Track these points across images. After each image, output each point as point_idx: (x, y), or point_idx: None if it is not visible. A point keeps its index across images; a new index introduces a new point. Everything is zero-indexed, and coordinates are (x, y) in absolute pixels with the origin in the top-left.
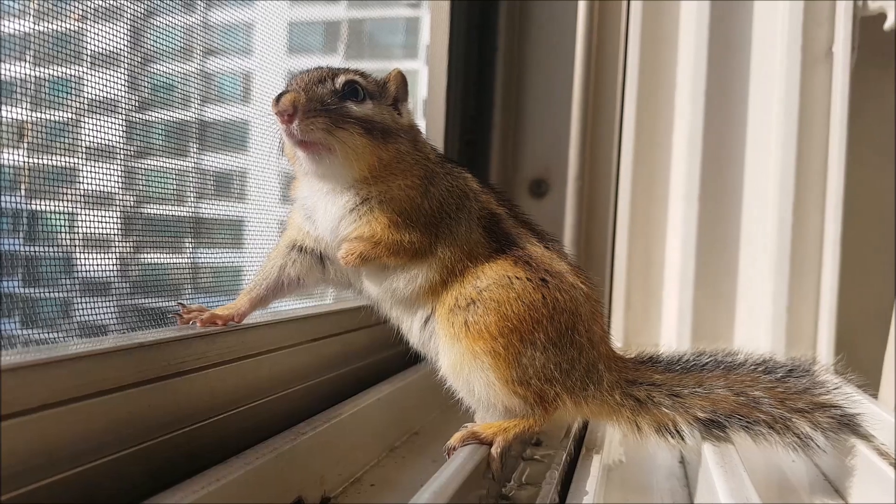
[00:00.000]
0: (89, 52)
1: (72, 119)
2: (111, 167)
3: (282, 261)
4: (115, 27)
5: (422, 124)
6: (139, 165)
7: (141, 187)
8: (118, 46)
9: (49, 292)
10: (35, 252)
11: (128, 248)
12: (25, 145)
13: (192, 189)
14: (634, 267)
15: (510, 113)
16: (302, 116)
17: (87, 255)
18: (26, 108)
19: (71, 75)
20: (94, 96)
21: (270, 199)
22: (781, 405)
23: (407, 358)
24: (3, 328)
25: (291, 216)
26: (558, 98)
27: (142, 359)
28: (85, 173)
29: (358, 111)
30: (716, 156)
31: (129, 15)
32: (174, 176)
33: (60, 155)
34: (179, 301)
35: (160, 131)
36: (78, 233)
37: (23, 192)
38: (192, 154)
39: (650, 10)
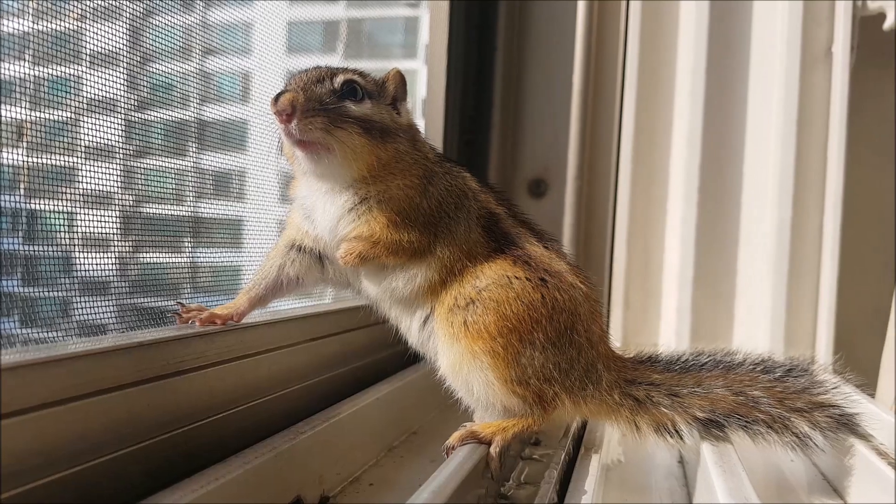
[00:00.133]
0: (88, 51)
1: (71, 118)
2: (110, 167)
3: (281, 260)
4: (114, 27)
5: (421, 124)
6: (138, 165)
7: (140, 187)
8: (117, 46)
9: (48, 292)
10: (34, 251)
11: (127, 248)
12: (24, 145)
13: (191, 188)
14: (633, 266)
15: (509, 112)
16: (300, 116)
17: (86, 254)
18: (25, 108)
19: (70, 75)
20: (93, 96)
21: (269, 199)
22: (780, 405)
23: (406, 357)
24: (2, 327)
25: (290, 216)
26: (557, 98)
27: (141, 358)
28: (84, 173)
29: (356, 111)
30: (715, 156)
31: (127, 14)
32: (173, 175)
33: (59, 154)
34: (178, 300)
35: (159, 131)
36: (77, 232)
37: (22, 192)
38: (191, 154)
39: (649, 9)
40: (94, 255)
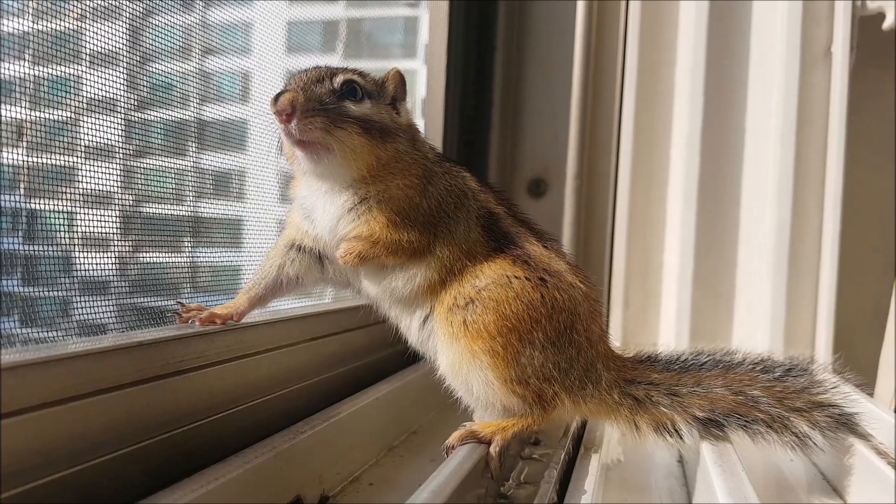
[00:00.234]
0: (88, 51)
1: (70, 118)
2: (110, 166)
3: (280, 260)
4: (113, 26)
5: (420, 124)
6: (138, 165)
7: (140, 186)
8: (117, 46)
9: (48, 291)
10: (34, 251)
11: (127, 248)
12: (24, 144)
13: (190, 188)
14: (633, 266)
15: (509, 112)
16: (300, 116)
17: (85, 254)
18: (25, 108)
19: (70, 74)
20: (92, 95)
21: (269, 199)
22: (780, 404)
23: (405, 357)
24: (2, 327)
25: (290, 215)
26: (557, 98)
27: (140, 358)
28: (84, 173)
29: (356, 111)
30: (714, 155)
31: (127, 14)
32: (173, 175)
33: (59, 154)
34: (178, 300)
35: (159, 131)
36: (77, 232)
37: (22, 192)
38: (190, 153)
39: (649, 9)
40: (93, 254)
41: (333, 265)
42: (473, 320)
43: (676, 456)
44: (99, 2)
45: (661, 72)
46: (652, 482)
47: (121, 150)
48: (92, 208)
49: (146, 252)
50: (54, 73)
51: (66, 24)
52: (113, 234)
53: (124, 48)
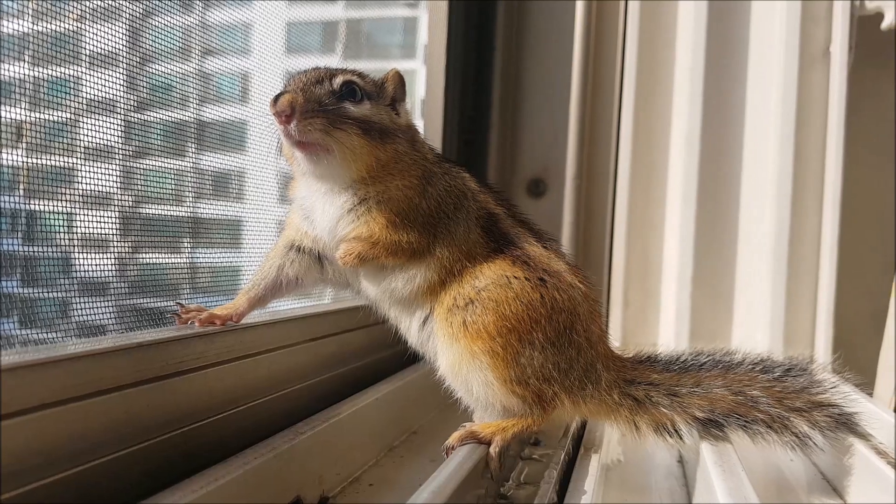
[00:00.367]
0: (87, 52)
1: (70, 119)
2: (109, 167)
3: (280, 261)
4: (113, 27)
5: (420, 124)
6: (137, 165)
7: (139, 187)
8: (116, 47)
9: (47, 292)
10: (33, 252)
11: (126, 248)
12: (24, 145)
13: (190, 189)
14: (632, 266)
15: (508, 112)
16: (300, 117)
17: (85, 255)
18: (24, 109)
19: (69, 75)
20: (92, 96)
21: (269, 200)
22: (779, 404)
23: (405, 358)
24: (1, 328)
25: (289, 216)
26: (556, 98)
27: (140, 359)
28: (83, 173)
29: (355, 111)
30: (713, 155)
31: (127, 15)
32: (172, 176)
33: (59, 155)
34: (178, 301)
35: (158, 131)
36: (76, 233)
37: (21, 193)
38: (190, 154)
39: (648, 9)
40: (93, 255)
41: (333, 266)
42: (473, 321)
43: (676, 456)
44: (99, 3)
45: (660, 72)
46: (652, 482)
47: (120, 151)
48: (91, 209)
49: (145, 253)
50: (54, 74)
51: (66, 25)
52: (112, 234)
53: (124, 49)
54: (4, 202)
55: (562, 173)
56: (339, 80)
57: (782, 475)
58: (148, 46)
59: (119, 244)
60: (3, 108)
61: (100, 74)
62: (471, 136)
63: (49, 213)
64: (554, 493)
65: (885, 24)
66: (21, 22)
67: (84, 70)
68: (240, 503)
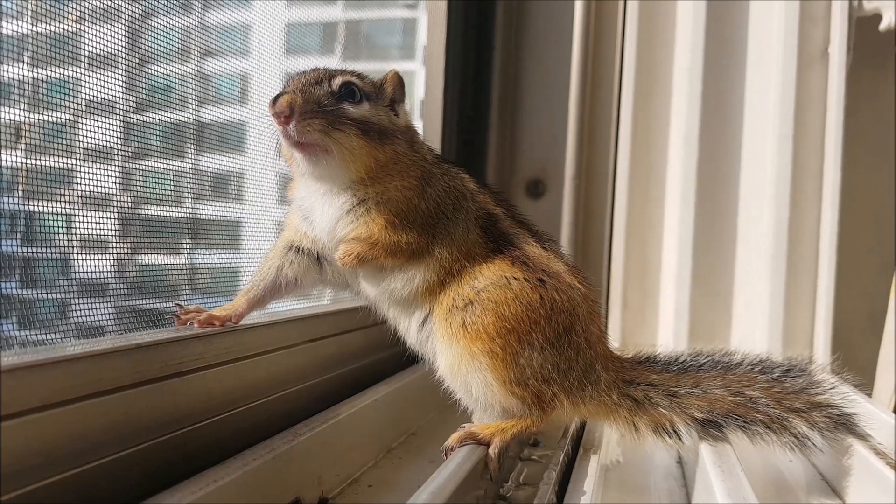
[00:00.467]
0: (87, 53)
1: (69, 120)
2: (108, 168)
3: (279, 262)
4: (112, 28)
5: (419, 125)
6: (136, 166)
7: (138, 188)
8: (116, 48)
9: (46, 293)
10: (32, 253)
11: (125, 250)
12: (23, 146)
13: (189, 190)
14: (631, 267)
15: (507, 113)
16: (299, 118)
17: (84, 256)
18: (23, 109)
19: (68, 76)
20: (91, 97)
21: (268, 200)
22: (778, 405)
23: (404, 359)
24: (1, 329)
25: (289, 217)
26: (555, 98)
27: (139, 360)
28: (82, 174)
29: (355, 112)
30: (712, 156)
31: (126, 16)
32: (172, 177)
33: (58, 156)
34: (177, 302)
35: (158, 132)
36: (75, 234)
37: (20, 194)
38: (189, 155)
39: (646, 9)
40: (92, 256)
41: (332, 267)
42: (472, 321)
43: (675, 457)
44: (98, 3)
45: (658, 72)
46: (651, 483)
47: (119, 152)
48: (90, 210)
49: (145, 254)
50: (53, 75)
51: (65, 27)
52: (111, 236)
53: (123, 50)
54: (4, 203)
55: (561, 174)
56: (338, 81)
57: (781, 476)
58: (147, 47)
59: (118, 245)
60: (2, 108)
61: (99, 75)
62: (470, 137)
63: (48, 214)
64: (553, 493)
65: (884, 25)
66: (20, 23)
67: (83, 71)
68: None
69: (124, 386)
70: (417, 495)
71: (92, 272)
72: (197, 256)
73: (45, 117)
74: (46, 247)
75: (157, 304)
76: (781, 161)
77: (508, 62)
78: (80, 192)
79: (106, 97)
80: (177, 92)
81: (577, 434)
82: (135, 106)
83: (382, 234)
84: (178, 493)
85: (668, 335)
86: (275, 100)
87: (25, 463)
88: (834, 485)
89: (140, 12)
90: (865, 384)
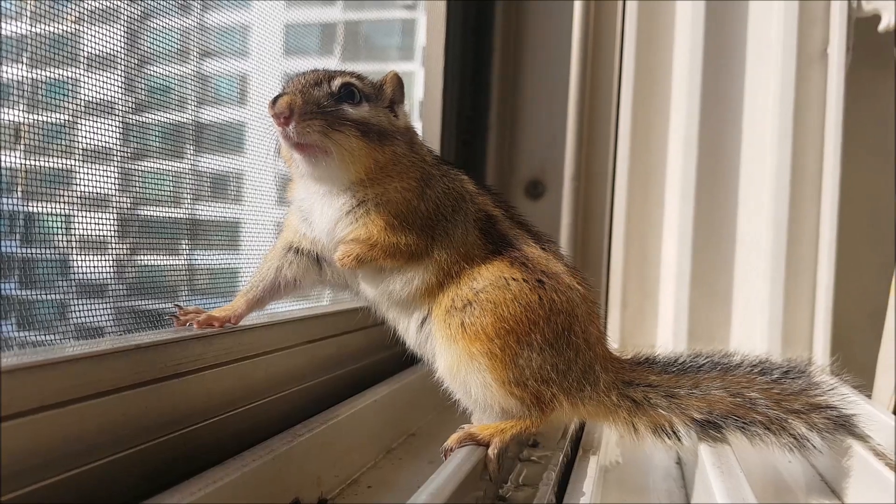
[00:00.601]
0: (86, 54)
1: (68, 121)
2: (108, 169)
3: (278, 262)
4: (111, 29)
5: (418, 126)
6: (136, 167)
7: (137, 189)
8: (115, 49)
9: (45, 294)
10: (31, 254)
11: (124, 250)
12: (22, 147)
13: (188, 191)
14: (631, 268)
15: (506, 114)
16: (298, 119)
17: (83, 257)
18: (22, 110)
19: (68, 77)
20: (90, 98)
21: (267, 201)
22: (777, 406)
23: (403, 359)
24: (0, 330)
25: (288, 218)
26: (554, 99)
27: (138, 361)
28: (81, 175)
29: (354, 114)
30: (711, 156)
31: (125, 17)
32: (171, 178)
33: (57, 157)
34: (176, 303)
35: (157, 133)
36: (74, 235)
37: (19, 194)
38: (188, 156)
39: (645, 10)
40: (91, 257)
41: (331, 268)
42: (471, 322)
43: (675, 457)
44: (98, 4)
45: (657, 72)
46: (650, 484)
47: (118, 153)
48: (89, 211)
49: (144, 255)
50: (52, 75)
51: (64, 27)
52: (110, 236)
53: (122, 51)
54: (3, 204)
55: (560, 175)
56: (337, 83)
57: (780, 477)
58: (146, 48)
59: (117, 246)
60: (1, 109)
61: (98, 76)
62: (469, 138)
63: (47, 214)
64: (552, 494)
65: (883, 25)
66: (19, 24)
67: (82, 72)
68: None
69: (123, 387)
70: (417, 496)
71: (91, 273)
72: (196, 257)
73: (45, 118)
74: (45, 248)
75: (156, 305)
76: (781, 161)
77: (507, 63)
78: (79, 193)
79: (105, 98)
80: (176, 93)
81: (576, 435)
82: (134, 107)
83: (382, 236)
84: (177, 494)
85: (667, 336)
86: (274, 101)
87: (25, 463)
88: (833, 485)
89: (139, 13)
90: (865, 385)
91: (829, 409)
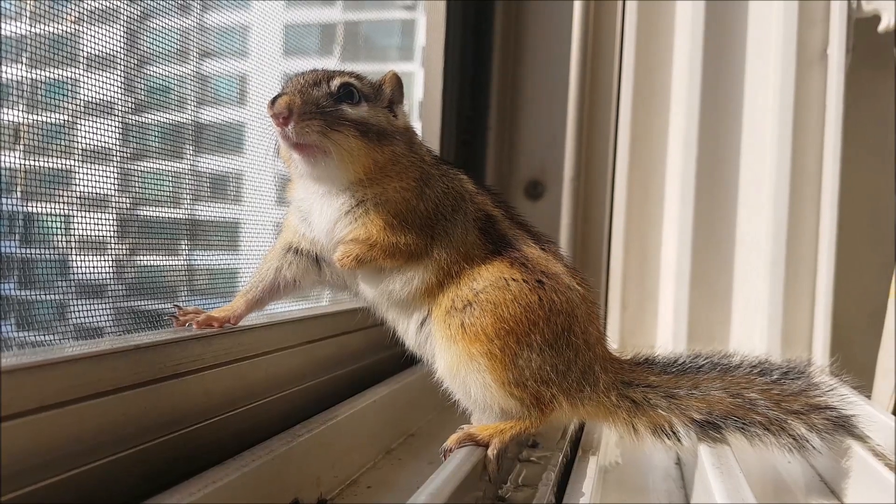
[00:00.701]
0: (85, 54)
1: (68, 121)
2: (107, 170)
3: (278, 263)
4: (110, 30)
5: (418, 126)
6: (135, 168)
7: (137, 190)
8: (114, 49)
9: (45, 295)
10: (31, 254)
11: (124, 251)
12: (21, 147)
13: (188, 191)
14: (630, 268)
15: (506, 114)
16: (297, 119)
17: (83, 257)
18: (22, 111)
19: (67, 78)
20: (90, 99)
21: (266, 202)
22: (777, 407)
23: (403, 360)
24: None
25: (287, 218)
26: (554, 99)
27: (138, 361)
28: (81, 176)
29: (353, 114)
30: (711, 157)
31: (125, 17)
32: (170, 178)
33: (56, 157)
34: (175, 303)
35: (156, 134)
36: (74, 235)
37: (19, 195)
38: (188, 156)
39: (645, 10)
40: (90, 258)
41: (331, 268)
42: (471, 323)
43: (674, 458)
44: (97, 4)
45: (657, 73)
46: (650, 484)
47: (118, 154)
48: (89, 212)
49: (143, 255)
50: (51, 76)
51: (64, 28)
52: (110, 237)
53: (121, 51)
54: (2, 204)
55: (560, 175)
56: (336, 83)
57: (780, 477)
58: (146, 49)
59: (117, 246)
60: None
61: (97, 77)
62: (469, 138)
63: (46, 215)
64: (552, 495)
65: (882, 26)
66: (18, 24)
67: (81, 72)
68: None
69: (123, 387)
70: (416, 496)
71: (90, 273)
72: (195, 257)
73: (44, 118)
74: (45, 248)
75: (156, 306)
76: (780, 162)
77: (507, 63)
78: (78, 194)
79: (104, 98)
80: (175, 93)
81: (575, 435)
82: (133, 107)
83: (381, 236)
84: (177, 494)
85: (666, 336)
86: (273, 101)
87: (25, 463)
88: (833, 486)
89: (138, 13)
90: (864, 385)
91: (829, 409)
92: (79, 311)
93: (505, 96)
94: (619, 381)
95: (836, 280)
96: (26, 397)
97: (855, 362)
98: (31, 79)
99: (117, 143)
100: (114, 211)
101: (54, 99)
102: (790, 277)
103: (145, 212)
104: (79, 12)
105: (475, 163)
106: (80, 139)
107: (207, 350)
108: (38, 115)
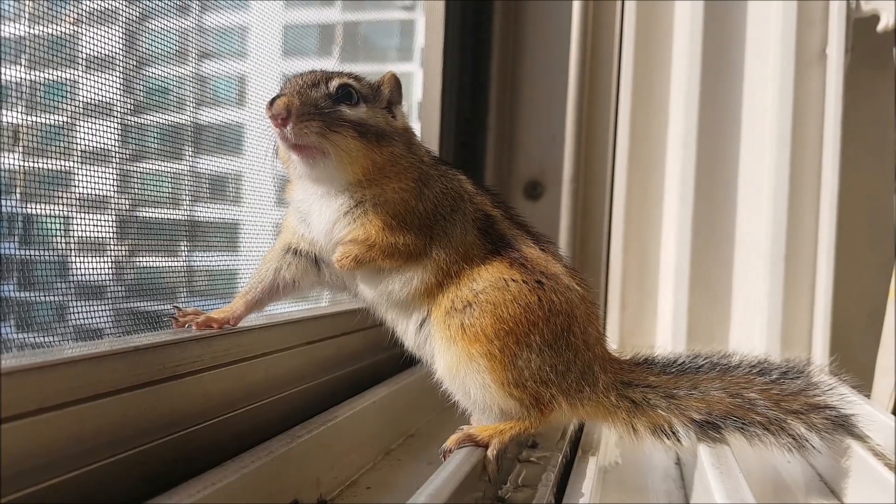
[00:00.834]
0: (84, 55)
1: (67, 122)
2: (106, 171)
3: (277, 264)
4: (110, 31)
5: (417, 127)
6: (134, 169)
7: (136, 191)
8: (113, 50)
9: (44, 296)
10: (30, 256)
11: (123, 252)
12: (20, 148)
13: (187, 192)
14: (630, 268)
15: (505, 115)
16: (296, 120)
17: (82, 258)
18: (21, 112)
19: (66, 79)
20: (89, 100)
21: (265, 203)
22: (776, 407)
23: (402, 361)
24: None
25: (286, 219)
26: (553, 99)
27: (137, 362)
28: (80, 177)
29: (352, 114)
30: (710, 157)
31: (124, 18)
32: (169, 179)
33: (55, 158)
34: (175, 304)
35: (155, 135)
36: (73, 236)
37: (18, 196)
38: (187, 157)
39: (644, 10)
40: (90, 259)
41: (330, 269)
42: (471, 323)
43: (674, 458)
44: (97, 5)
45: (656, 73)
46: (649, 484)
47: (117, 154)
48: (88, 212)
49: (142, 256)
50: (51, 77)
51: (63, 28)
52: (109, 238)
53: (121, 52)
54: (2, 206)
55: (559, 175)
56: (335, 83)
57: (780, 477)
58: (145, 50)
59: (116, 248)
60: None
61: (97, 78)
62: (468, 139)
63: (46, 216)
64: (552, 495)
65: (881, 26)
66: (18, 25)
67: (81, 73)
68: None
69: (122, 388)
70: (416, 497)
71: (90, 274)
72: (195, 258)
73: (43, 119)
74: (44, 249)
75: (155, 307)
76: (779, 162)
77: (506, 64)
78: (77, 195)
79: (104, 99)
80: (174, 94)
81: (575, 435)
82: (132, 108)
83: (380, 236)
84: (176, 496)
85: (666, 336)
86: (272, 102)
87: (25, 465)
88: (832, 486)
89: (137, 14)
90: (864, 385)
91: (828, 409)
92: (78, 313)
93: (504, 97)
94: (618, 382)
95: (836, 280)
96: (26, 399)
97: (854, 362)
98: (31, 80)
99: (117, 144)
100: (113, 212)
101: (53, 100)
102: (789, 277)
103: (145, 213)
104: (78, 13)
105: (474, 163)
106: (79, 140)
107: (207, 351)
108: (37, 116)
